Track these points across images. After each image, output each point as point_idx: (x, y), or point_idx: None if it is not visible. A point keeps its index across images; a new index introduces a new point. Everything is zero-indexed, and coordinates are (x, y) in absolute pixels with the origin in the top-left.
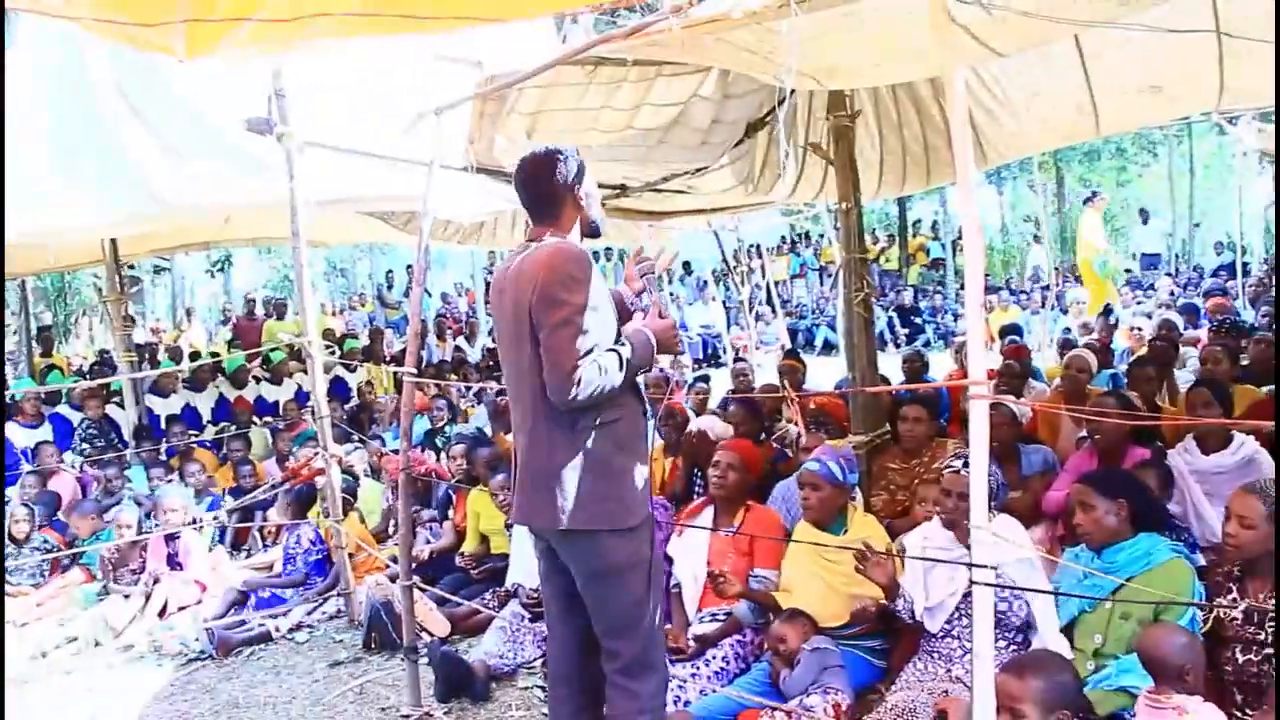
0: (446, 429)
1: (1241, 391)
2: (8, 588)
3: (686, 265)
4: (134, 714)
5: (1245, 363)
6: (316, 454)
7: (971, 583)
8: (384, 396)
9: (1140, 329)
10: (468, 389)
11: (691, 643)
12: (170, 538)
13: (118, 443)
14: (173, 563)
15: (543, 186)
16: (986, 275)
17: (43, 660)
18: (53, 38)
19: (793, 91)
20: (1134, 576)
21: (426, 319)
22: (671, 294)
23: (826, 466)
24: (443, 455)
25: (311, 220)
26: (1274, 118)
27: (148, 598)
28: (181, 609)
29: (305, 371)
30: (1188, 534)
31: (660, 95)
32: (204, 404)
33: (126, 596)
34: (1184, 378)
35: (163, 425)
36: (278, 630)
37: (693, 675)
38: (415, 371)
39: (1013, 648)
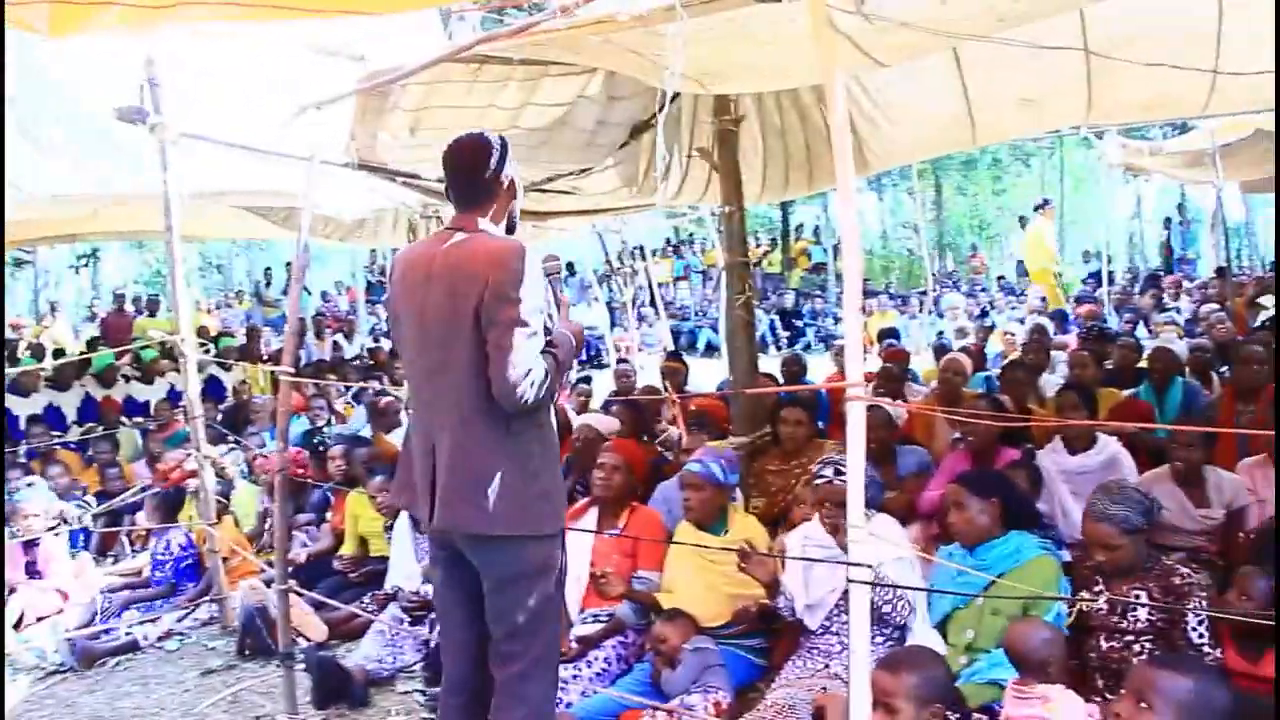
0: (325, 429)
1: (1105, 394)
2: None
3: (570, 266)
4: None
5: (1110, 367)
6: (189, 456)
7: (849, 581)
8: (261, 396)
9: (1013, 334)
10: (346, 389)
11: (574, 644)
12: (29, 544)
13: None
14: (31, 571)
15: (479, 173)
16: (866, 280)
17: None
18: None
19: (677, 95)
20: (1005, 573)
21: (305, 317)
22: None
23: (708, 468)
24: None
25: (186, 214)
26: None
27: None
28: (40, 619)
29: (178, 370)
30: (1055, 531)
31: (546, 95)
32: (69, 403)
33: None
34: (1054, 381)
35: (22, 426)
36: (146, 639)
37: (574, 676)
38: (293, 371)
39: (889, 644)
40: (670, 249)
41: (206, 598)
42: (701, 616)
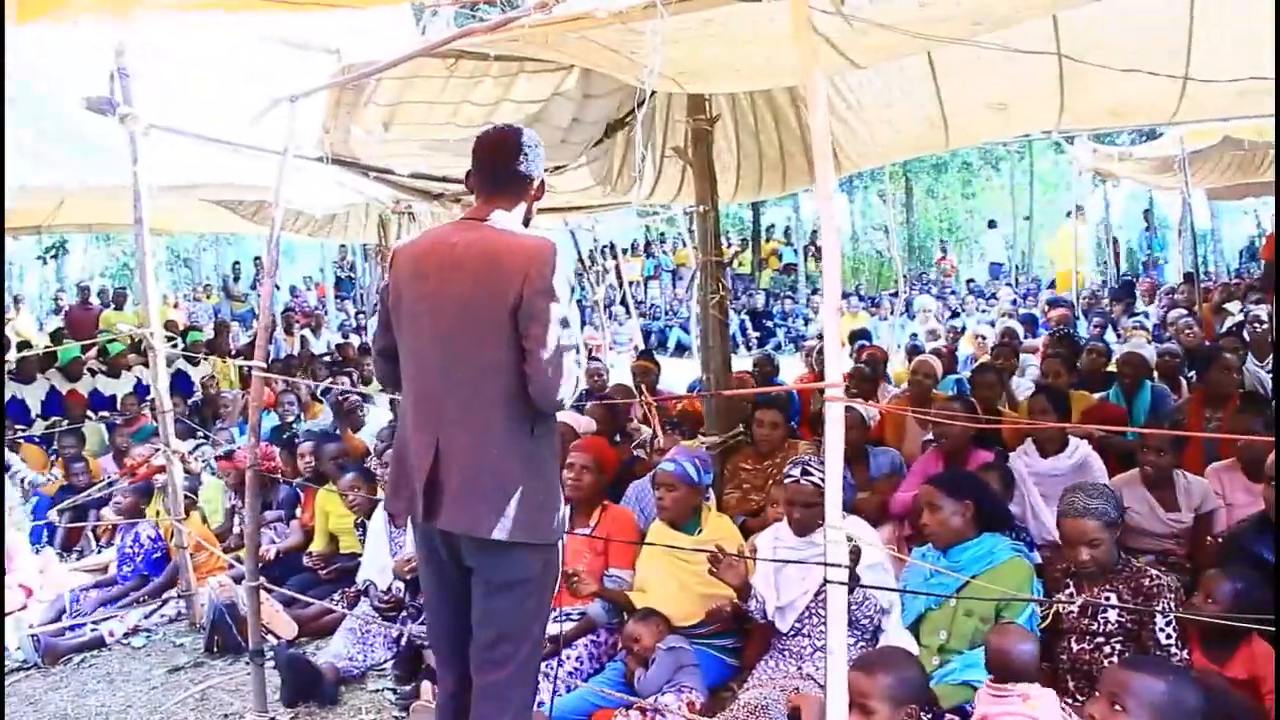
0: (295, 425)
1: (1077, 398)
2: None
3: None
4: None
5: (1079, 370)
6: (157, 450)
7: (826, 581)
8: (229, 392)
9: (984, 337)
10: (316, 385)
11: (546, 642)
12: None
13: None
14: None
15: (510, 166)
16: None
17: None
18: None
19: (653, 93)
20: (977, 575)
21: (274, 313)
22: None
23: (681, 467)
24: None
25: (155, 207)
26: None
27: None
28: (5, 615)
29: (145, 364)
30: (1026, 533)
31: (521, 92)
32: (32, 397)
33: None
34: (1024, 385)
35: None
36: (112, 635)
37: (547, 675)
38: (264, 366)
39: (862, 645)
40: (641, 248)
41: (172, 591)
42: (674, 616)
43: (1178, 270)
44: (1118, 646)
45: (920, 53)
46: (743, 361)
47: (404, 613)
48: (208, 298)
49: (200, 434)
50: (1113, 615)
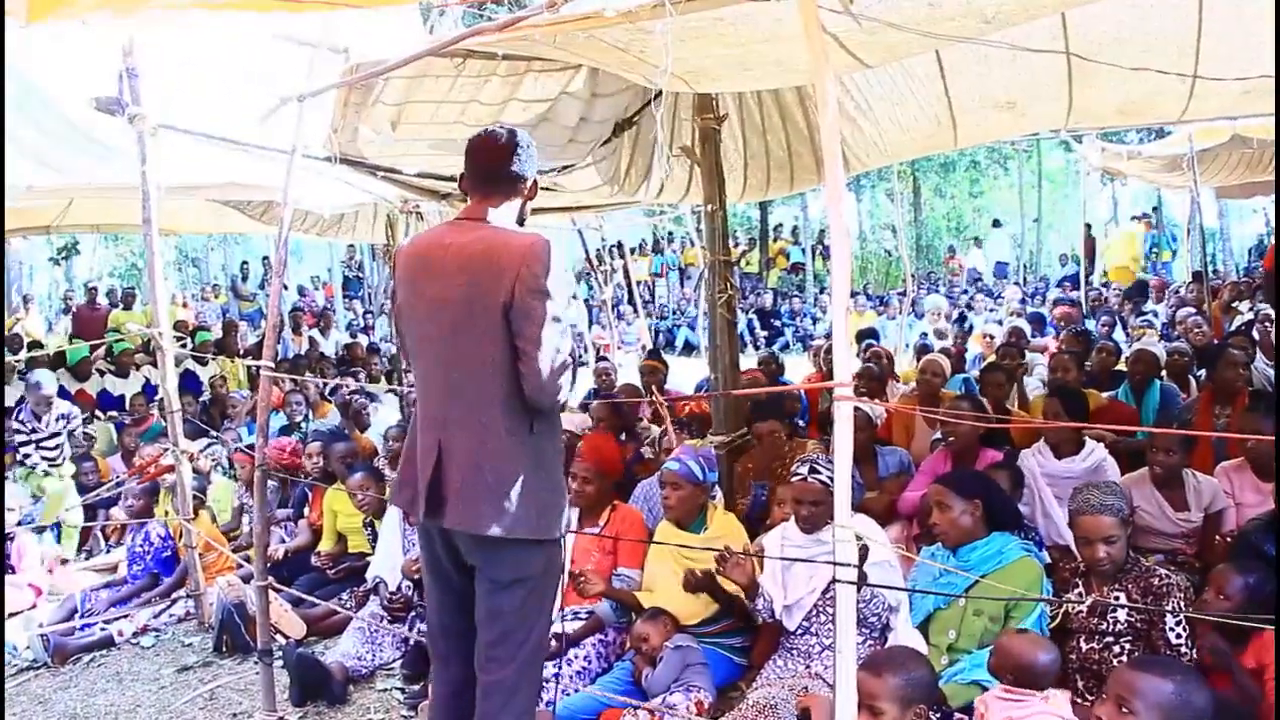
0: (303, 425)
1: (1089, 397)
2: None
3: None
4: None
5: (1088, 369)
6: (166, 450)
7: (835, 581)
8: (238, 391)
9: (992, 336)
10: (324, 384)
11: (553, 641)
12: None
13: None
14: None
15: (502, 166)
16: None
17: None
18: None
19: (658, 94)
20: (987, 574)
21: (283, 312)
22: None
23: (687, 466)
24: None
25: (163, 208)
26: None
27: None
28: (13, 615)
29: (154, 364)
30: (1035, 533)
31: (528, 91)
32: None
33: None
34: (1032, 384)
35: None
36: (121, 634)
37: (555, 674)
38: (272, 366)
39: (870, 644)
40: (649, 247)
41: (181, 591)
42: (682, 615)
43: (1186, 269)
44: (1127, 646)
45: (929, 51)
46: (749, 361)
47: (412, 612)
48: (216, 298)
49: (213, 434)
50: (1122, 615)
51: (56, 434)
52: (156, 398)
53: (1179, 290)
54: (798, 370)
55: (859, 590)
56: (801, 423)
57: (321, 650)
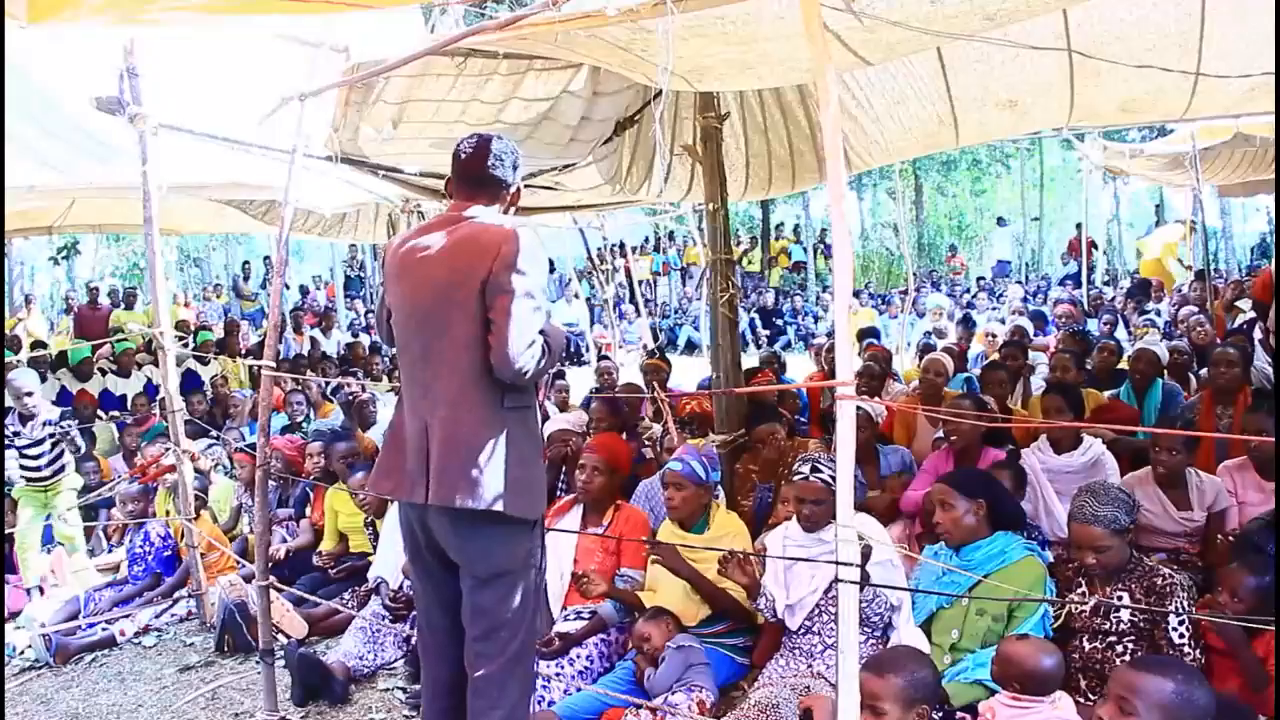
0: (304, 424)
1: (1088, 395)
2: None
3: (550, 262)
4: None
5: (1089, 368)
6: (167, 450)
7: (837, 580)
8: (239, 391)
9: (994, 334)
10: (326, 384)
11: (555, 640)
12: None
13: None
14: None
15: (485, 171)
16: None
17: None
18: None
19: (659, 92)
20: (990, 574)
21: (284, 312)
22: None
23: (689, 465)
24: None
25: (164, 207)
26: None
27: None
28: (14, 614)
29: (155, 364)
30: (1038, 531)
31: (530, 90)
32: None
33: None
34: (1036, 384)
35: None
36: (123, 634)
37: (557, 674)
38: (274, 365)
39: (873, 643)
40: (650, 246)
41: (183, 591)
42: (683, 615)
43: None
44: (1130, 646)
45: (930, 49)
46: (751, 359)
47: (414, 612)
48: (218, 297)
49: (214, 434)
50: (1125, 614)
51: (40, 442)
52: (158, 397)
53: (1181, 289)
54: (800, 369)
55: (861, 589)
56: (803, 420)
57: (323, 650)
